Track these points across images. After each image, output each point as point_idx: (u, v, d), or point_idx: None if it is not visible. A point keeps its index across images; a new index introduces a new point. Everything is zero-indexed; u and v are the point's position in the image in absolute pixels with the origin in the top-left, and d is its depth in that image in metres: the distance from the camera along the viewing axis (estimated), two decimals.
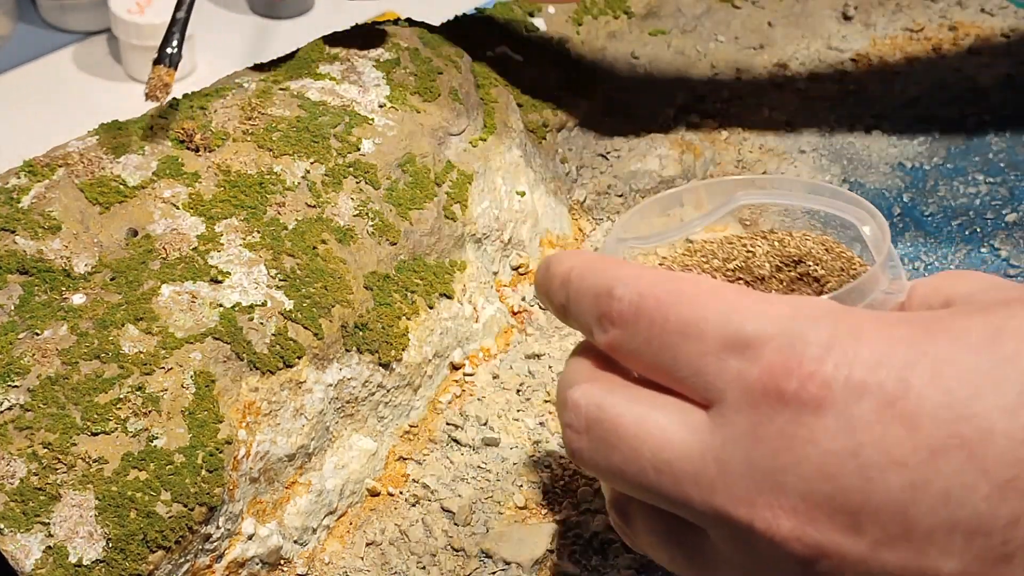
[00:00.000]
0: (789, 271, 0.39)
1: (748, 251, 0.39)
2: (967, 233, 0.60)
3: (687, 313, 0.30)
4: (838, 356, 0.27)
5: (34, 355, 0.43)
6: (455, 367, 0.52)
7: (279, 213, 0.49)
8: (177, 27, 0.51)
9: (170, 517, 0.40)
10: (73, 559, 0.39)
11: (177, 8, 0.52)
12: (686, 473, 0.29)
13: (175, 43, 0.50)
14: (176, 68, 0.50)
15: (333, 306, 0.47)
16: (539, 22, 0.65)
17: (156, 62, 0.50)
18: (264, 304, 0.46)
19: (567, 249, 0.58)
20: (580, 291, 0.33)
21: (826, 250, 0.39)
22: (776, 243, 0.39)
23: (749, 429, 0.28)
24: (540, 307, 0.55)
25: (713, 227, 0.41)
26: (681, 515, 0.31)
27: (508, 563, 0.46)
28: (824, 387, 0.27)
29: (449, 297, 0.52)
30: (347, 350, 0.47)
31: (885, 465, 0.27)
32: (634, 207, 0.41)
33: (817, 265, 0.38)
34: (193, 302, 0.45)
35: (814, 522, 0.27)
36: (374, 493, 0.48)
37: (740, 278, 0.39)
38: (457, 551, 0.46)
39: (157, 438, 0.41)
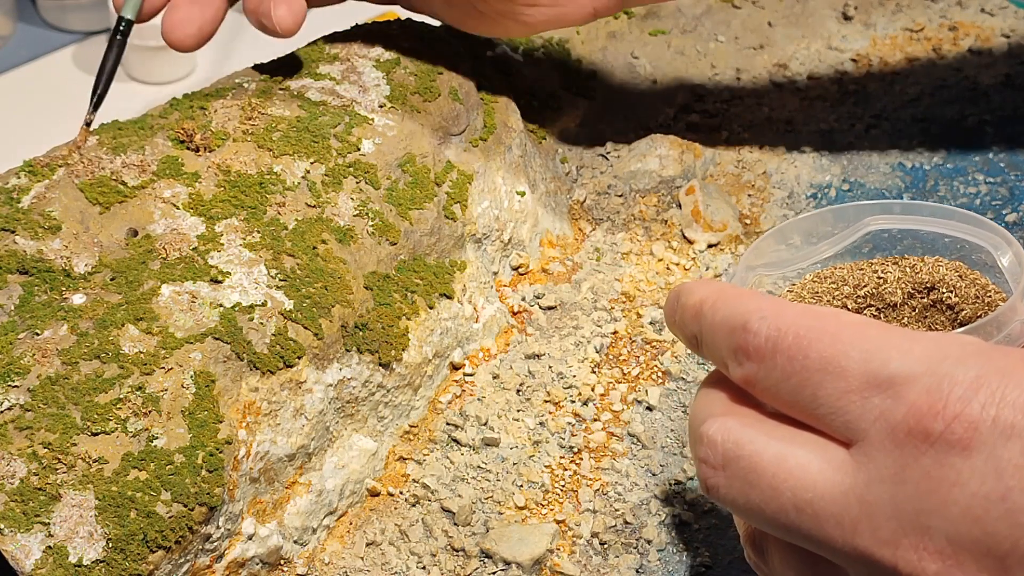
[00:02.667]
0: (921, 298, 0.38)
1: (879, 277, 0.39)
2: None
3: (828, 350, 0.29)
4: (985, 397, 0.27)
5: (34, 355, 0.43)
6: (455, 367, 0.52)
7: (279, 213, 0.49)
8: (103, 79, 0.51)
9: (170, 517, 0.40)
10: (73, 559, 0.39)
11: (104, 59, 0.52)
12: (828, 513, 0.29)
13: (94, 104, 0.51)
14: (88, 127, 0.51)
15: (333, 306, 0.47)
16: None
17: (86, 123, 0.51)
18: (264, 304, 0.46)
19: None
20: (714, 324, 0.32)
21: (959, 276, 0.38)
22: (908, 269, 0.39)
23: (894, 470, 0.28)
24: (540, 307, 0.55)
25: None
26: (821, 554, 0.30)
27: (508, 563, 0.46)
28: (971, 428, 0.27)
29: (449, 297, 0.52)
30: (347, 350, 0.47)
31: None
32: (763, 234, 0.40)
33: (951, 292, 0.38)
34: (193, 302, 0.45)
35: (961, 566, 0.27)
36: (374, 493, 0.48)
37: (871, 305, 0.38)
38: (457, 551, 0.46)
39: (157, 438, 0.41)
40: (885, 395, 0.28)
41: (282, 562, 0.46)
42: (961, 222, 0.39)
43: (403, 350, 0.49)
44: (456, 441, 0.50)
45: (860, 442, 0.29)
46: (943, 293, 0.38)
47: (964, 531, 0.27)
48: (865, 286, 0.38)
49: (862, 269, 0.39)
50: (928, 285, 0.38)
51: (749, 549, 0.34)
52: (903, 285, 0.38)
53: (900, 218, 0.40)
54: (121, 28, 0.52)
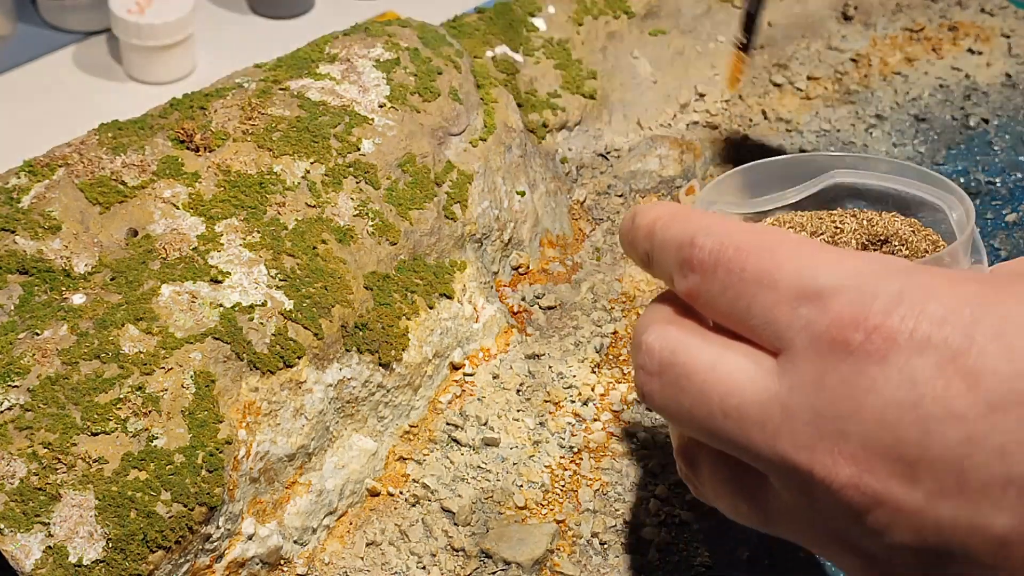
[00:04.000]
0: (875, 249, 0.39)
1: (837, 227, 0.40)
2: None
3: (765, 263, 0.30)
4: (905, 310, 0.28)
5: (34, 355, 0.43)
6: (455, 367, 0.52)
7: (279, 213, 0.49)
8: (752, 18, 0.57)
9: (170, 517, 0.40)
10: (73, 559, 0.39)
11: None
12: (752, 418, 0.30)
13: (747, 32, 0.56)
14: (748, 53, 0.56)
15: (333, 306, 0.47)
16: (539, 22, 0.65)
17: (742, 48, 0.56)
18: (264, 304, 0.46)
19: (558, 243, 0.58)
20: (664, 240, 0.33)
21: (913, 232, 0.39)
22: (864, 222, 0.40)
23: (815, 377, 0.29)
24: (540, 307, 0.55)
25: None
26: (745, 460, 0.31)
27: (508, 563, 0.46)
28: (889, 339, 0.28)
29: (449, 297, 0.52)
30: (347, 350, 0.47)
31: (944, 418, 0.27)
32: (727, 172, 0.41)
33: (902, 245, 0.39)
34: (193, 302, 0.45)
35: (872, 470, 0.28)
36: (374, 493, 0.48)
37: None
38: (457, 551, 0.46)
39: (157, 438, 0.41)
40: (812, 306, 0.29)
41: (282, 562, 0.46)
42: (920, 180, 0.40)
43: (403, 350, 0.49)
44: (456, 441, 0.50)
45: (787, 351, 0.30)
46: (895, 246, 0.39)
47: (877, 437, 0.28)
48: (822, 234, 0.39)
49: (821, 218, 0.40)
50: (882, 238, 0.39)
51: (681, 462, 0.35)
52: (858, 236, 0.39)
53: (864, 173, 0.41)
54: None
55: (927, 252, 0.39)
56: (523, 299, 0.56)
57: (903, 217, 0.40)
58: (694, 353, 0.31)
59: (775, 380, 0.30)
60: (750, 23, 0.57)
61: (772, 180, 0.41)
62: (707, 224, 0.32)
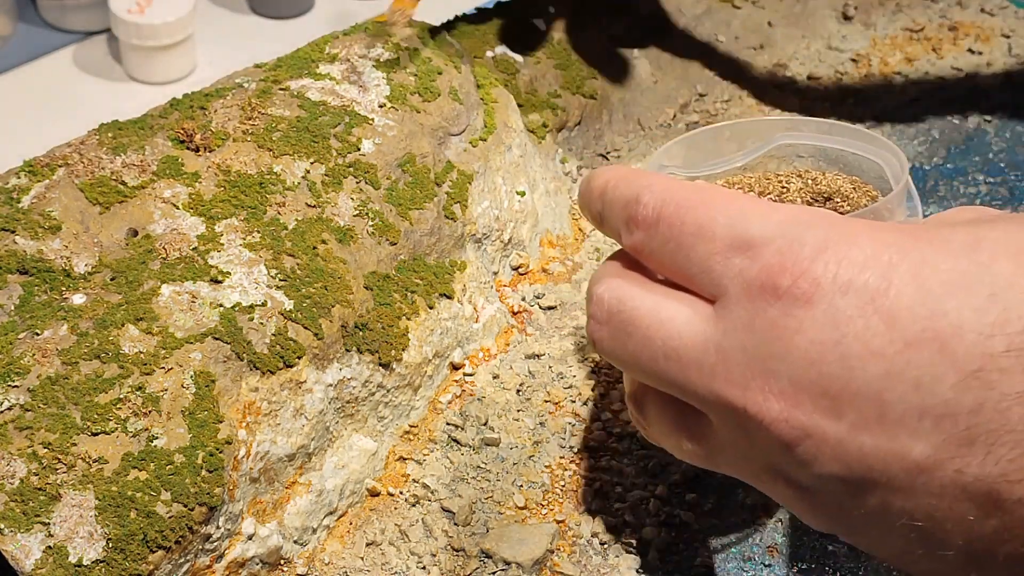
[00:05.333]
0: (818, 206, 0.41)
1: (783, 187, 0.42)
2: None
3: (702, 216, 0.33)
4: (829, 257, 0.30)
5: (34, 355, 0.43)
6: (455, 367, 0.52)
7: (279, 213, 0.49)
8: None
9: (170, 517, 0.40)
10: (73, 559, 0.39)
11: None
12: (691, 359, 0.32)
13: None
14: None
15: (333, 306, 0.47)
16: (539, 22, 0.65)
17: None
18: (264, 304, 0.46)
19: (565, 244, 0.58)
20: (613, 199, 0.36)
21: (854, 188, 0.41)
22: (809, 181, 0.42)
23: (746, 320, 0.31)
24: (540, 307, 0.55)
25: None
26: (687, 401, 0.33)
27: (508, 563, 0.46)
28: (814, 284, 0.30)
29: (449, 297, 0.52)
30: (347, 350, 0.47)
31: (864, 355, 0.29)
32: (677, 138, 0.44)
33: (844, 201, 0.41)
34: (193, 302, 0.45)
35: (799, 405, 0.30)
36: (374, 493, 0.48)
37: None
38: (457, 551, 0.46)
39: (157, 438, 0.41)
40: (744, 255, 0.31)
41: (282, 562, 0.46)
42: (857, 139, 0.42)
43: (403, 350, 0.49)
44: (456, 441, 0.50)
45: (722, 297, 0.32)
46: (837, 203, 0.41)
47: (803, 374, 0.30)
48: (769, 193, 0.42)
49: (768, 179, 0.42)
50: (825, 195, 0.41)
51: (631, 405, 0.38)
52: (803, 194, 0.42)
53: (808, 135, 0.43)
54: None
55: (866, 207, 0.41)
56: (523, 299, 0.56)
57: (845, 175, 0.42)
58: (638, 302, 0.34)
59: (711, 325, 0.32)
60: None
61: (720, 145, 0.44)
62: (650, 183, 0.34)
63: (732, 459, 0.33)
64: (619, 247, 0.36)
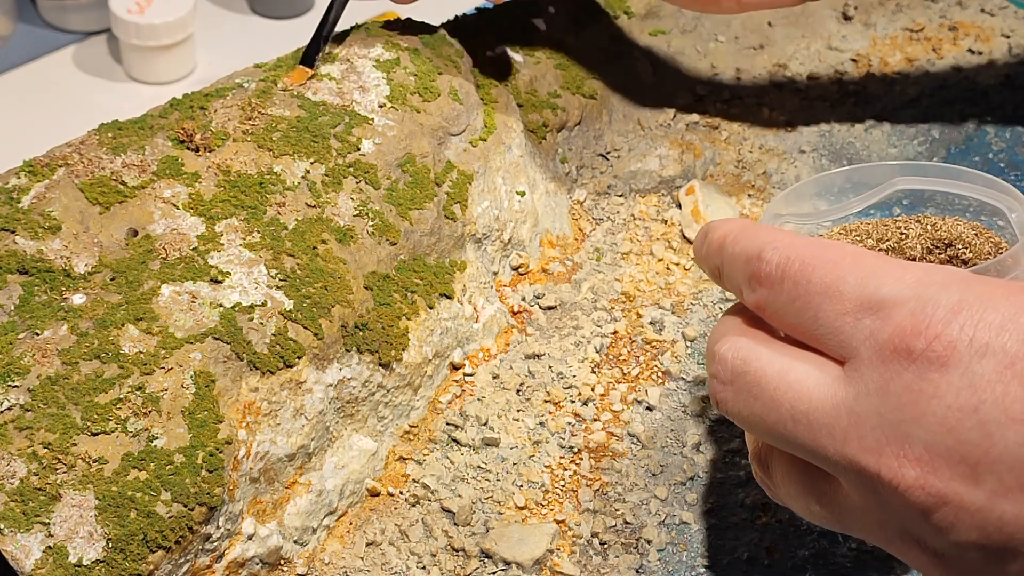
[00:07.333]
0: (939, 253, 0.40)
1: (902, 233, 0.41)
2: None
3: (829, 276, 0.32)
4: (964, 319, 0.29)
5: (34, 355, 0.43)
6: (455, 367, 0.52)
7: (279, 213, 0.49)
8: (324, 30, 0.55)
9: (170, 517, 0.40)
10: (73, 559, 0.39)
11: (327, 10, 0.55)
12: (821, 423, 0.31)
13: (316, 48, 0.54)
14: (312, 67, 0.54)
15: (333, 306, 0.47)
16: (539, 22, 0.65)
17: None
18: (264, 304, 0.46)
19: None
20: (734, 255, 0.35)
21: (976, 234, 0.41)
22: (929, 227, 0.41)
23: (879, 384, 0.30)
24: (540, 307, 0.55)
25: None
26: (816, 464, 0.33)
27: (508, 563, 0.46)
28: (949, 347, 0.29)
29: (449, 297, 0.52)
30: (347, 350, 0.47)
31: (1004, 421, 0.28)
32: (793, 186, 0.43)
33: (966, 248, 0.40)
34: (193, 302, 0.45)
35: (936, 472, 0.29)
36: (374, 493, 0.48)
37: None
38: (457, 551, 0.46)
39: (157, 438, 0.41)
40: (875, 316, 0.31)
41: (282, 562, 0.46)
42: (979, 184, 0.41)
43: (403, 350, 0.49)
44: (456, 441, 0.50)
45: (852, 359, 0.31)
46: (959, 249, 0.40)
47: (940, 440, 0.29)
48: (887, 240, 0.41)
49: (886, 225, 0.42)
50: (946, 241, 0.40)
51: (756, 466, 0.37)
52: (923, 240, 0.41)
53: (926, 179, 0.42)
54: None
55: (990, 254, 0.40)
56: (523, 299, 0.56)
57: (966, 220, 0.41)
58: (764, 362, 0.33)
59: (842, 387, 0.31)
60: (317, 39, 0.54)
61: (834, 191, 0.43)
62: (773, 238, 0.34)
63: (864, 524, 0.33)
64: (734, 299, 0.36)
